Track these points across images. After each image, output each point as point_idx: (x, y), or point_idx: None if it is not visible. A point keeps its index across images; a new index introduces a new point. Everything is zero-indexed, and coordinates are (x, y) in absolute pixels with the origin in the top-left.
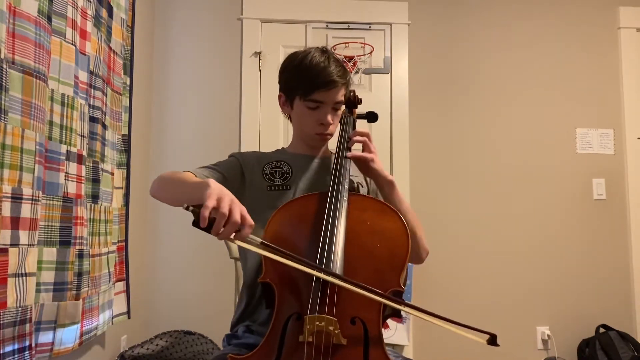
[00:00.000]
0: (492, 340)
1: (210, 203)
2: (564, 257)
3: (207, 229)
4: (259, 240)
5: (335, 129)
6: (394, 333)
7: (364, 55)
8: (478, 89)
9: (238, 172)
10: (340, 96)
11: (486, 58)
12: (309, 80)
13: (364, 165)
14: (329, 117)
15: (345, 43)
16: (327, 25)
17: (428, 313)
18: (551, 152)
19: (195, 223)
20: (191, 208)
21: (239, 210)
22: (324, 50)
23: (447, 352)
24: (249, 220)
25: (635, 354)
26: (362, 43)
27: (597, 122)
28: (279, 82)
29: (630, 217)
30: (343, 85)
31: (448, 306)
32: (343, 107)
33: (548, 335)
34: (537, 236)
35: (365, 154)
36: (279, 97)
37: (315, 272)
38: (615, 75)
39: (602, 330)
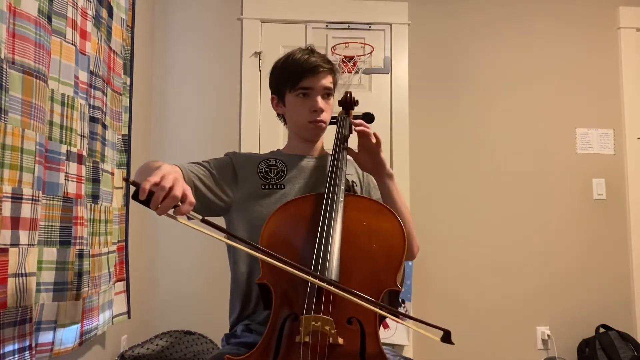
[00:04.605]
0: (446, 338)
1: (153, 178)
2: (564, 257)
3: (147, 202)
4: (200, 217)
5: (329, 118)
6: (394, 333)
7: (364, 55)
8: (478, 89)
9: (229, 170)
10: (328, 82)
11: (486, 58)
12: (295, 71)
13: (373, 154)
14: (320, 103)
15: (345, 43)
16: (327, 25)
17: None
18: (551, 152)
19: (135, 195)
20: (131, 180)
21: (182, 188)
22: (306, 47)
23: (447, 352)
24: (191, 197)
25: (635, 354)
26: (362, 43)
27: (597, 122)
28: (270, 86)
29: (630, 217)
30: (329, 72)
31: (448, 306)
32: (336, 103)
33: (548, 335)
34: (537, 236)
35: (379, 138)
36: (272, 100)
37: (309, 278)
38: (615, 75)
39: (602, 330)
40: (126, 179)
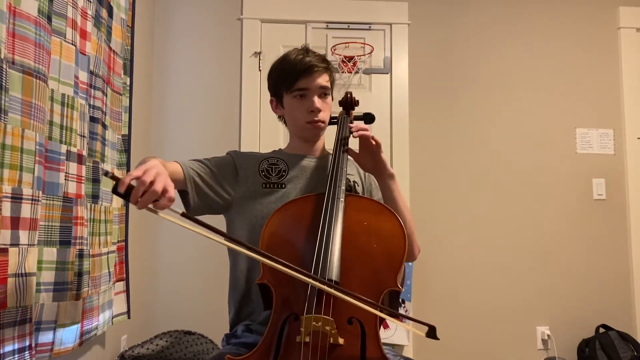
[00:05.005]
0: (431, 333)
1: (135, 172)
2: (564, 257)
3: (127, 196)
4: (180, 211)
5: (328, 117)
6: (394, 333)
7: (364, 55)
8: (478, 89)
9: (230, 168)
10: (324, 81)
11: (486, 58)
12: (290, 72)
13: (373, 155)
14: (317, 103)
15: (345, 43)
16: (327, 25)
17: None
18: (551, 152)
19: (115, 188)
20: (110, 174)
21: (163, 183)
22: (301, 48)
23: (447, 352)
24: (171, 193)
25: (635, 354)
26: (362, 43)
27: (597, 122)
28: (268, 89)
29: (630, 217)
30: (324, 70)
31: (448, 306)
32: (336, 104)
33: (548, 335)
34: (537, 236)
35: (378, 140)
36: (271, 102)
37: (309, 280)
38: (615, 75)
39: (602, 330)
40: (105, 174)
